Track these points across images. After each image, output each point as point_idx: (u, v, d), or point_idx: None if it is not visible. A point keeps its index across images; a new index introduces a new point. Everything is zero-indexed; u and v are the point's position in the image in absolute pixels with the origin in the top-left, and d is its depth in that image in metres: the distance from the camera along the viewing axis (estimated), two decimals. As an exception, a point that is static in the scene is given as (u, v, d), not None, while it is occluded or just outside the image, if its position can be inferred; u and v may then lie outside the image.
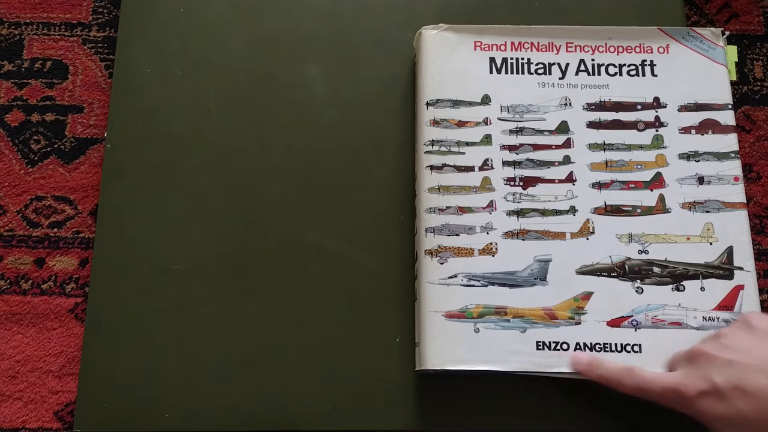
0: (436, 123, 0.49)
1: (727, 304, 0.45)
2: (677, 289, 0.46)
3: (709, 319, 0.45)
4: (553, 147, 0.49)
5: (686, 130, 0.49)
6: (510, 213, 0.47)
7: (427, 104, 0.49)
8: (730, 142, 0.48)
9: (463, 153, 0.48)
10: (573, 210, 0.47)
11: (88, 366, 0.48)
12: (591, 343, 0.45)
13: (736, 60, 0.51)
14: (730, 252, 0.46)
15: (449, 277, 0.46)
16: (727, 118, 0.49)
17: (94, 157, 0.56)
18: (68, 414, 0.50)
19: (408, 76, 0.53)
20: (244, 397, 0.47)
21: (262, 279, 0.49)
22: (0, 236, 0.54)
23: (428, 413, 0.46)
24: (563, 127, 0.49)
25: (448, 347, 0.44)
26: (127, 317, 0.49)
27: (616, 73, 0.50)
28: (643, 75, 0.50)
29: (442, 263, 0.46)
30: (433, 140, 0.49)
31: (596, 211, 0.47)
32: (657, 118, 0.49)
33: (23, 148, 0.56)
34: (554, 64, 0.50)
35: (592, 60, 0.51)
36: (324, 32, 0.54)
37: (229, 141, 0.52)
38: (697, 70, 0.50)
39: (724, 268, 0.46)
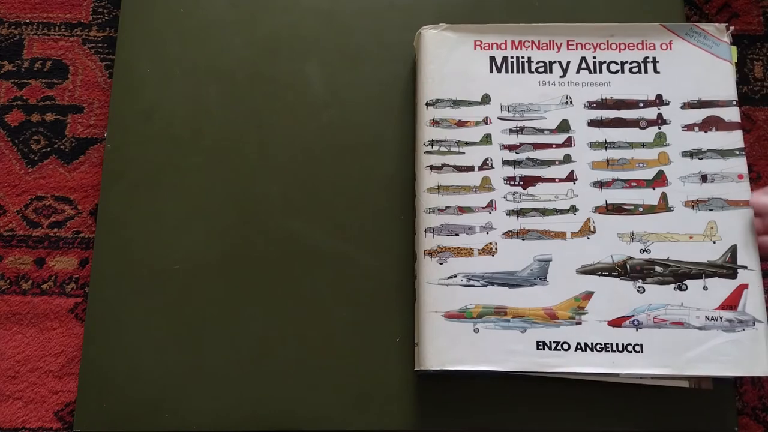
0: (435, 123, 0.49)
1: (731, 303, 0.45)
2: (680, 289, 0.45)
3: (712, 318, 0.44)
4: (554, 146, 0.48)
5: (689, 127, 0.48)
6: (510, 212, 0.47)
7: (427, 104, 0.49)
8: (734, 139, 0.48)
9: (463, 153, 0.48)
10: (574, 209, 0.47)
11: (88, 366, 0.48)
12: (592, 343, 0.44)
13: (736, 61, 0.51)
14: (733, 251, 0.46)
15: (449, 278, 0.46)
16: (732, 114, 0.48)
17: (94, 157, 0.56)
18: (68, 414, 0.50)
19: (408, 76, 0.53)
20: (243, 398, 0.47)
21: (261, 279, 0.49)
22: (0, 236, 0.54)
23: (428, 413, 0.46)
24: (564, 126, 0.49)
25: (448, 347, 0.44)
26: (127, 317, 0.49)
27: (617, 71, 0.50)
28: (646, 72, 0.50)
29: (441, 263, 0.46)
30: (432, 140, 0.48)
31: (597, 210, 0.47)
32: (659, 115, 0.49)
33: (23, 148, 0.56)
34: (555, 62, 0.50)
35: (594, 57, 0.50)
36: (324, 32, 0.54)
37: (229, 141, 0.52)
38: (700, 67, 0.49)
39: (727, 267, 0.45)
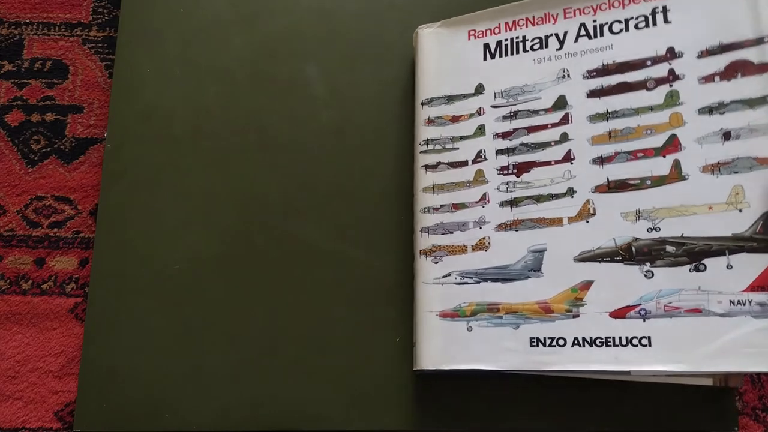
0: (430, 122, 0.48)
1: (763, 283, 0.38)
2: (696, 270, 0.39)
3: (739, 302, 0.38)
4: (549, 126, 0.44)
5: (708, 78, 0.41)
6: (503, 204, 0.44)
7: (422, 103, 0.49)
8: (767, 83, 0.40)
9: (457, 148, 0.47)
10: (571, 192, 0.43)
11: (88, 366, 0.48)
12: (591, 338, 0.40)
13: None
14: (765, 219, 0.38)
15: (443, 276, 0.45)
16: (763, 54, 0.40)
17: (94, 157, 0.56)
18: (68, 414, 0.50)
19: (408, 75, 0.53)
20: (243, 398, 0.47)
21: (261, 279, 0.49)
22: (0, 236, 0.54)
23: (428, 413, 0.46)
24: (560, 103, 0.45)
25: (443, 347, 0.43)
26: (127, 317, 0.49)
27: (621, 30, 0.44)
28: (654, 25, 0.43)
29: (436, 263, 0.45)
30: (427, 139, 0.48)
31: (597, 189, 0.42)
32: (671, 71, 0.42)
33: (23, 148, 0.56)
34: (551, 35, 0.46)
35: (594, 21, 0.45)
36: (324, 32, 0.54)
37: (229, 141, 0.52)
38: (722, 4, 0.42)
39: (758, 239, 0.38)
